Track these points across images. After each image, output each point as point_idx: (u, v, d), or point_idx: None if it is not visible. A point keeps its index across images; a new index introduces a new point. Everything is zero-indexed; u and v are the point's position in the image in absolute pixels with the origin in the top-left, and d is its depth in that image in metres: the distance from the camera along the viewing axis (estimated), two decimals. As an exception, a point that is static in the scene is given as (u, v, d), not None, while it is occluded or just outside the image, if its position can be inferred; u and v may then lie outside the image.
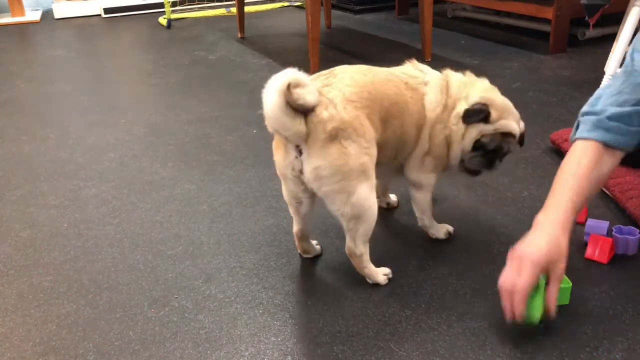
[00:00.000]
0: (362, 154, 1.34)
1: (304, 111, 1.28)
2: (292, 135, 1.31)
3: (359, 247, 1.42)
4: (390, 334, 1.31)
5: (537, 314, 1.26)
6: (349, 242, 1.43)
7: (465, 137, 1.50)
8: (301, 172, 1.36)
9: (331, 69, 1.44)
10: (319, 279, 1.52)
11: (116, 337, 1.35)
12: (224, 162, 2.23)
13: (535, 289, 1.27)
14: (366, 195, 1.36)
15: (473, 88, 1.53)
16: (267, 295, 1.47)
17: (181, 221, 1.83)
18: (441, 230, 1.65)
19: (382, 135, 1.42)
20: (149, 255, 1.66)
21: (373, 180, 1.39)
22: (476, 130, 1.50)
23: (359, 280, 1.49)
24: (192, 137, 2.49)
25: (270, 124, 1.30)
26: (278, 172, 1.45)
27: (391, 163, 1.54)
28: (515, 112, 1.56)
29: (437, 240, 1.65)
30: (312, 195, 1.42)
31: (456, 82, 1.54)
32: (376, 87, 1.41)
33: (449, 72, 1.57)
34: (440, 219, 1.66)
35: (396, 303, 1.41)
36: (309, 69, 3.25)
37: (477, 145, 1.51)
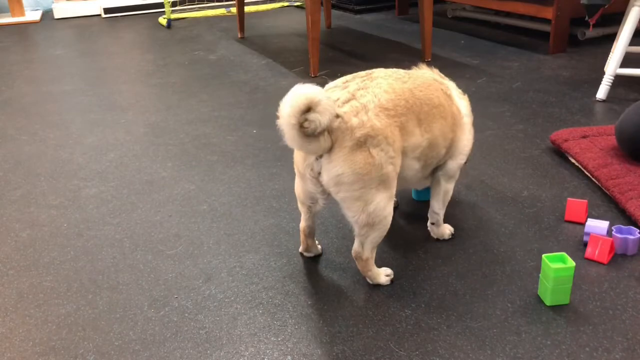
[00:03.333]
0: (388, 163, 1.32)
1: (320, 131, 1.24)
2: (318, 154, 1.30)
3: (366, 251, 1.42)
4: (390, 334, 1.31)
5: (546, 299, 1.36)
6: (357, 246, 1.42)
7: None
8: (320, 173, 1.34)
9: (369, 70, 1.45)
10: (319, 279, 1.52)
11: (116, 337, 1.35)
12: (224, 162, 2.23)
13: (545, 276, 1.37)
14: (384, 206, 1.35)
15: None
16: (267, 295, 1.47)
17: (181, 221, 1.83)
18: (447, 231, 1.66)
19: (425, 138, 1.43)
20: (149, 255, 1.66)
21: (393, 191, 1.37)
22: None
23: (359, 280, 1.49)
24: (192, 137, 2.49)
25: (293, 147, 1.29)
26: (296, 170, 1.43)
27: (433, 165, 1.55)
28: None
29: (438, 240, 1.65)
30: (329, 196, 1.40)
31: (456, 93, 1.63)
32: (415, 94, 1.41)
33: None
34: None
35: (396, 303, 1.41)
36: (309, 69, 3.25)
37: None
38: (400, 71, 1.48)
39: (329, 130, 1.26)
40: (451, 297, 1.42)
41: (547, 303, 1.36)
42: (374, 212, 1.34)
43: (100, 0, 5.40)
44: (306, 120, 1.20)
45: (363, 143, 1.28)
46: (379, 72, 1.43)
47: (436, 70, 1.61)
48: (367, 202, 1.33)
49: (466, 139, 1.58)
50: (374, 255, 1.45)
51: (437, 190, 1.61)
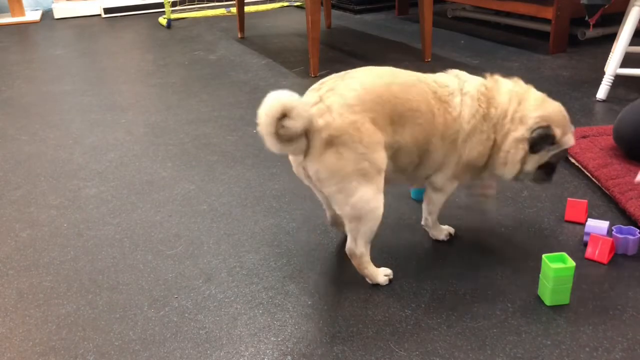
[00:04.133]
0: (360, 159, 1.33)
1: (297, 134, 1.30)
2: (299, 154, 1.36)
3: (359, 247, 1.42)
4: (390, 334, 1.31)
5: (546, 299, 1.37)
6: (349, 243, 1.43)
7: (529, 161, 1.47)
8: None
9: (349, 70, 1.42)
10: (319, 279, 1.52)
11: (116, 337, 1.35)
12: (224, 162, 2.23)
13: (545, 276, 1.37)
14: (368, 198, 1.36)
15: (526, 104, 1.46)
16: (267, 295, 1.47)
17: (181, 221, 1.83)
18: (443, 232, 1.64)
19: (395, 140, 1.39)
20: (149, 255, 1.66)
21: (378, 184, 1.37)
22: (544, 156, 1.47)
23: (359, 280, 1.49)
24: (192, 137, 2.49)
25: (274, 151, 1.33)
26: (294, 170, 1.46)
27: (416, 171, 1.49)
28: (565, 115, 1.50)
29: (437, 240, 1.65)
30: None
31: (504, 91, 1.48)
32: (391, 91, 1.37)
33: (497, 79, 1.51)
34: (440, 219, 1.66)
35: (396, 303, 1.41)
36: (309, 69, 3.25)
37: (542, 165, 1.49)
38: (387, 69, 1.44)
39: (306, 132, 1.31)
40: (451, 297, 1.42)
41: (547, 303, 1.36)
42: (358, 204, 1.36)
43: (100, 0, 5.40)
44: (282, 127, 1.26)
45: (330, 143, 1.32)
46: (356, 71, 1.41)
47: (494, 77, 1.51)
48: (349, 194, 1.36)
49: (459, 155, 1.47)
50: (368, 252, 1.45)
51: (426, 195, 1.60)
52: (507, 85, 1.50)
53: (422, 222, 1.65)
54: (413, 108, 1.39)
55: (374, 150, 1.34)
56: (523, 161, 1.46)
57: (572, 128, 1.51)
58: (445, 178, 1.51)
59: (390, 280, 1.48)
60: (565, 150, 1.51)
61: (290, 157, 1.42)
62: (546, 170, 1.51)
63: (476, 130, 1.45)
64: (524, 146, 1.44)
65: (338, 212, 1.41)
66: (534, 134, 1.43)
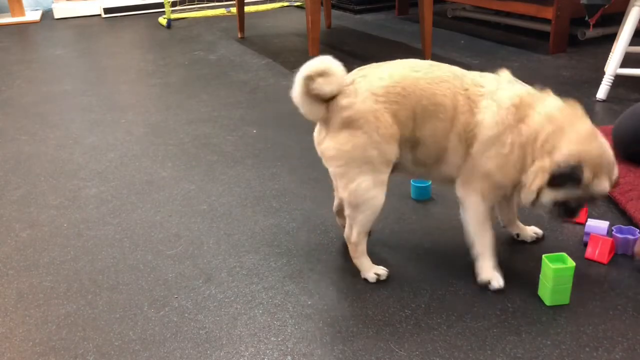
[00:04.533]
0: (371, 147, 1.36)
1: (324, 99, 1.37)
2: (311, 118, 1.41)
3: (354, 235, 1.46)
4: (390, 334, 1.31)
5: (546, 299, 1.37)
6: (347, 229, 1.48)
7: (545, 194, 1.34)
8: None
9: (390, 61, 1.44)
10: (319, 279, 1.52)
11: (116, 337, 1.35)
12: (224, 162, 2.23)
13: (545, 276, 1.37)
14: (367, 187, 1.39)
15: (565, 135, 1.31)
16: (267, 295, 1.47)
17: (181, 221, 1.83)
18: (491, 273, 1.45)
19: (415, 133, 1.39)
20: (149, 255, 1.66)
21: (381, 176, 1.40)
22: (561, 194, 1.33)
23: (359, 280, 1.49)
24: (192, 137, 2.49)
25: (296, 102, 1.40)
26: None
27: (436, 167, 1.43)
28: (608, 159, 1.33)
29: (437, 240, 1.65)
30: None
31: (542, 112, 1.34)
32: (418, 84, 1.37)
33: (542, 96, 1.37)
34: (440, 219, 1.66)
35: (396, 303, 1.41)
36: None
37: (561, 203, 1.35)
38: (427, 62, 1.42)
39: (327, 104, 1.38)
40: (451, 297, 1.42)
41: (547, 303, 1.36)
42: (356, 192, 1.40)
43: (100, 0, 5.40)
44: (313, 82, 1.34)
45: (348, 124, 1.36)
46: (395, 62, 1.43)
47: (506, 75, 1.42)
48: (350, 180, 1.40)
49: (473, 159, 1.38)
50: (364, 243, 1.47)
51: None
52: (550, 107, 1.35)
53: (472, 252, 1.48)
54: (437, 102, 1.37)
55: (386, 142, 1.37)
56: (539, 191, 1.34)
57: (615, 174, 1.35)
58: (463, 185, 1.42)
59: (378, 280, 1.48)
60: (594, 196, 1.35)
61: (314, 134, 1.46)
62: (565, 209, 1.36)
63: (497, 141, 1.34)
64: (544, 176, 1.31)
65: (340, 195, 1.45)
66: (559, 168, 1.30)
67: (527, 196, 1.37)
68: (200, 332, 1.35)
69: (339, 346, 1.28)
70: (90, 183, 2.11)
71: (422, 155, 1.42)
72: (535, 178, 1.33)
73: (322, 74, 1.33)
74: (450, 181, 1.46)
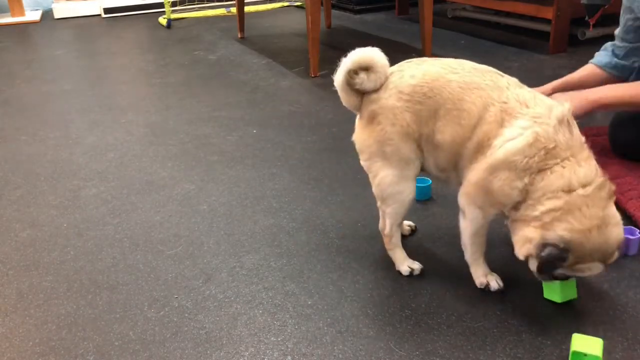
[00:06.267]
0: (386, 143, 1.38)
1: (363, 91, 1.40)
2: (349, 107, 1.44)
3: (387, 227, 1.49)
4: (390, 334, 1.31)
5: (557, 297, 1.37)
6: (381, 221, 1.52)
7: (531, 262, 1.29)
8: None
9: (440, 58, 1.40)
10: (319, 279, 1.52)
11: (116, 337, 1.35)
12: (224, 162, 2.23)
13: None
14: (390, 182, 1.42)
15: (569, 217, 1.20)
16: (267, 295, 1.47)
17: (181, 221, 1.83)
18: (480, 276, 1.44)
19: (436, 135, 1.35)
20: (149, 255, 1.66)
21: (403, 171, 1.40)
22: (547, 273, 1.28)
23: (359, 280, 1.49)
24: (192, 137, 2.49)
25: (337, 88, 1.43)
26: None
27: (454, 175, 1.40)
28: (609, 251, 1.24)
29: (438, 240, 1.65)
30: None
31: (565, 180, 1.22)
32: (449, 86, 1.32)
33: (582, 159, 1.24)
34: (440, 220, 1.66)
35: (396, 303, 1.41)
36: (309, 69, 3.25)
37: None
38: (470, 65, 1.35)
39: (363, 95, 1.40)
40: (451, 297, 1.42)
41: (559, 301, 1.37)
42: (380, 186, 1.44)
43: (100, 0, 5.40)
44: (356, 74, 1.36)
45: (372, 118, 1.39)
46: (437, 60, 1.39)
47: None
48: (374, 174, 1.44)
49: (477, 170, 1.30)
50: (398, 235, 1.50)
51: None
52: (578, 176, 1.23)
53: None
54: (462, 108, 1.31)
55: (401, 140, 1.38)
56: (526, 257, 1.29)
57: (613, 258, 1.25)
58: (466, 195, 1.36)
59: (411, 274, 1.50)
60: (583, 276, 1.28)
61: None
62: (553, 277, 1.31)
63: (513, 168, 1.25)
64: (529, 247, 1.26)
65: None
66: (543, 253, 1.22)
67: (516, 251, 1.32)
68: (200, 332, 1.35)
69: (339, 346, 1.28)
70: (90, 183, 2.11)
71: (441, 160, 1.39)
72: (522, 246, 1.28)
73: (366, 67, 1.36)
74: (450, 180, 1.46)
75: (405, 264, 1.51)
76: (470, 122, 1.31)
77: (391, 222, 1.47)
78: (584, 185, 1.22)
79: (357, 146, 1.44)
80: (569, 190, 1.22)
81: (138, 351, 1.30)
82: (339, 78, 1.40)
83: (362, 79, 1.37)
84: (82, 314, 1.43)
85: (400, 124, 1.36)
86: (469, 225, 1.39)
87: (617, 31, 2.04)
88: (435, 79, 1.35)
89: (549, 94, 1.78)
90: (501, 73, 1.36)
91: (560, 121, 1.25)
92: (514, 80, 1.34)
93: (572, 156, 1.23)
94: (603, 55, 2.07)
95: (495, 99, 1.29)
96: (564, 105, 1.28)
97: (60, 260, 1.66)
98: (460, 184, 1.39)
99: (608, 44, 2.08)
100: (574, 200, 1.21)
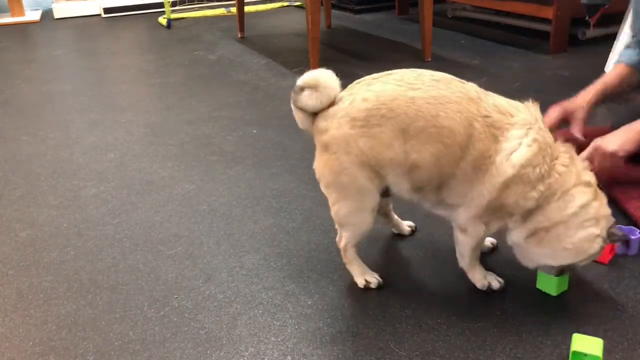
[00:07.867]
0: (342, 173, 1.32)
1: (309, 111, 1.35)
2: (302, 128, 1.40)
3: (342, 243, 1.46)
4: (390, 334, 1.31)
5: (553, 290, 1.39)
6: (338, 235, 1.48)
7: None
8: None
9: (391, 72, 1.32)
10: (319, 279, 1.52)
11: (116, 337, 1.35)
12: (224, 162, 2.23)
13: None
14: (345, 213, 1.39)
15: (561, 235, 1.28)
16: (267, 295, 1.47)
17: (181, 221, 1.83)
18: (479, 279, 1.43)
19: (408, 156, 1.27)
20: (149, 255, 1.66)
21: (360, 203, 1.36)
22: None
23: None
24: (192, 137, 2.49)
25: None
26: None
27: (433, 193, 1.33)
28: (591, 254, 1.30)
29: (438, 240, 1.65)
30: None
31: (572, 176, 1.27)
32: (413, 104, 1.25)
33: (580, 184, 1.28)
34: (440, 219, 1.65)
35: (396, 303, 1.41)
36: (309, 69, 3.25)
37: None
38: (429, 76, 1.29)
39: (314, 119, 1.35)
40: (451, 297, 1.42)
41: (554, 293, 1.39)
42: (337, 215, 1.41)
43: (100, 0, 5.40)
44: (302, 91, 1.33)
45: (326, 148, 1.34)
46: (392, 76, 1.31)
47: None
48: (332, 203, 1.40)
49: (487, 191, 1.26)
50: (353, 250, 1.46)
51: (454, 237, 1.41)
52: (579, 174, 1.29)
53: (459, 264, 1.45)
54: (442, 125, 1.24)
55: (357, 169, 1.31)
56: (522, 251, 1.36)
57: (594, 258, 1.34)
58: (469, 216, 1.32)
59: (366, 287, 1.45)
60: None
61: None
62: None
63: (520, 180, 1.24)
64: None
65: None
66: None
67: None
68: (200, 332, 1.35)
69: (339, 346, 1.28)
70: (90, 183, 2.11)
71: (420, 180, 1.30)
72: (526, 243, 1.34)
73: (311, 87, 1.31)
74: (445, 207, 1.36)
75: (361, 277, 1.47)
76: (456, 140, 1.24)
77: (347, 242, 1.44)
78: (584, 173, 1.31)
79: (316, 174, 1.38)
80: (585, 183, 1.29)
81: (138, 351, 1.30)
82: (293, 96, 1.36)
83: (304, 95, 1.32)
84: (82, 314, 1.43)
85: (355, 153, 1.29)
86: (470, 240, 1.37)
87: (626, 28, 2.03)
88: (393, 98, 1.26)
89: (593, 102, 1.92)
90: (462, 80, 1.31)
91: (542, 120, 1.30)
92: (475, 86, 1.30)
93: (557, 151, 1.30)
94: (632, 54, 2.05)
95: (475, 113, 1.25)
96: (534, 103, 1.31)
97: (60, 260, 1.66)
98: (439, 202, 1.34)
99: (631, 42, 2.08)
100: (594, 188, 1.30)
